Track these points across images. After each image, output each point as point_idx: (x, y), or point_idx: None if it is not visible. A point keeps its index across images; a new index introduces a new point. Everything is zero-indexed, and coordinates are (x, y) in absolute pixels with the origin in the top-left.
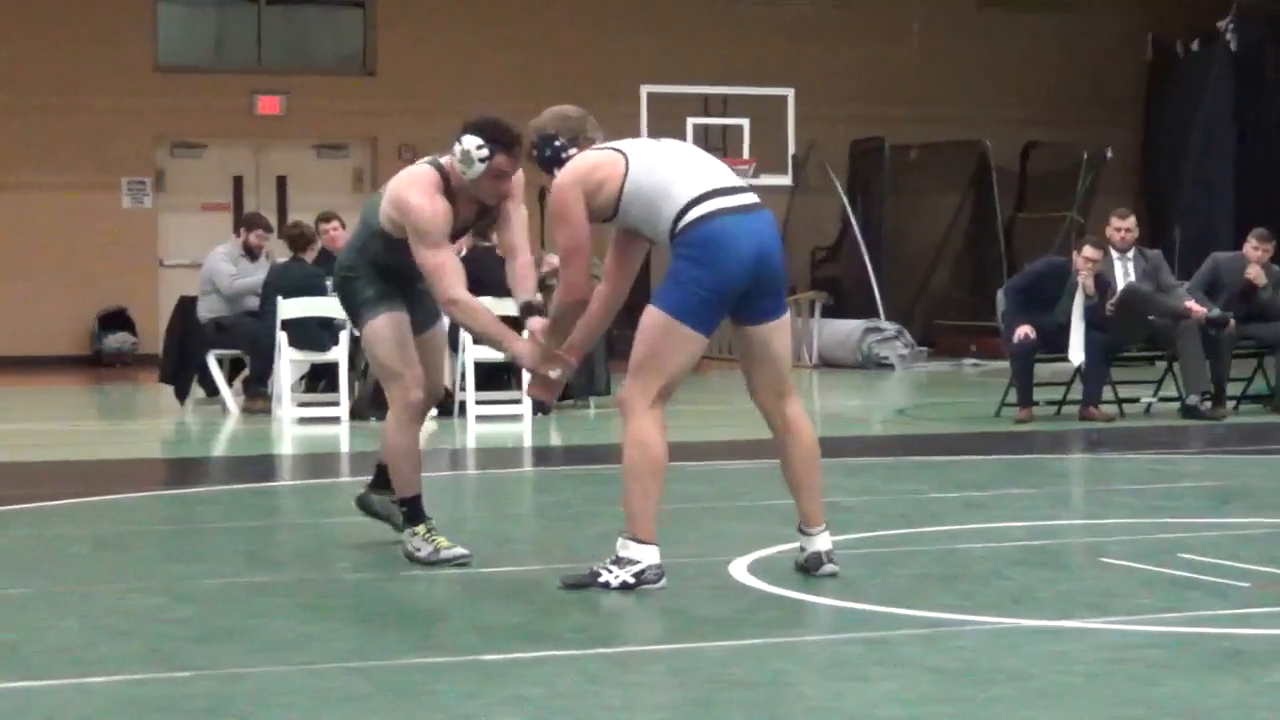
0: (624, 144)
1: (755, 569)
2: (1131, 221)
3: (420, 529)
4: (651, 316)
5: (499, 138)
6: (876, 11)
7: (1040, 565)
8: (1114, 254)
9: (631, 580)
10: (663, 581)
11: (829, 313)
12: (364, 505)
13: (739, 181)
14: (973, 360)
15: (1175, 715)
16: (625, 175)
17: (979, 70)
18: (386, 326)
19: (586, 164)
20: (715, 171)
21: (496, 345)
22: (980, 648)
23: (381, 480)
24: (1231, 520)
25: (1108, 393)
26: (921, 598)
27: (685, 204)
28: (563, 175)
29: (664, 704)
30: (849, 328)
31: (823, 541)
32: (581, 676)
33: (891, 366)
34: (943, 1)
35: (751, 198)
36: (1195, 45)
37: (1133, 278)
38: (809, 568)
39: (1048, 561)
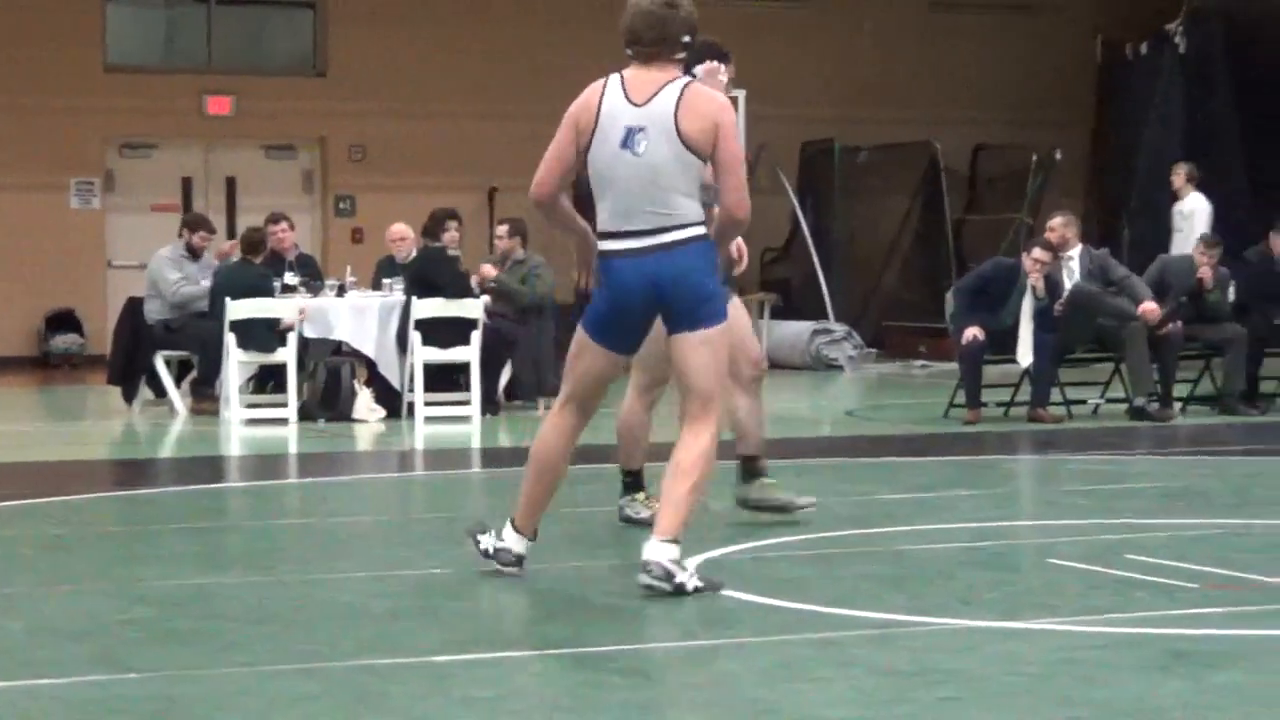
0: None
1: (704, 570)
2: (1059, 221)
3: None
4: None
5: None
6: (828, 13)
7: (989, 566)
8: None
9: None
10: (514, 571)
11: (779, 314)
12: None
13: (648, 223)
14: (922, 362)
15: (1123, 715)
16: None
17: (930, 72)
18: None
19: None
20: (638, 200)
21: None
22: (930, 649)
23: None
24: (1179, 521)
25: (1056, 394)
26: (871, 599)
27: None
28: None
29: (614, 705)
30: (798, 329)
31: (649, 549)
32: (533, 678)
33: (840, 368)
34: (894, 3)
35: (650, 241)
36: (1145, 48)
37: (1079, 278)
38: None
39: (996, 563)
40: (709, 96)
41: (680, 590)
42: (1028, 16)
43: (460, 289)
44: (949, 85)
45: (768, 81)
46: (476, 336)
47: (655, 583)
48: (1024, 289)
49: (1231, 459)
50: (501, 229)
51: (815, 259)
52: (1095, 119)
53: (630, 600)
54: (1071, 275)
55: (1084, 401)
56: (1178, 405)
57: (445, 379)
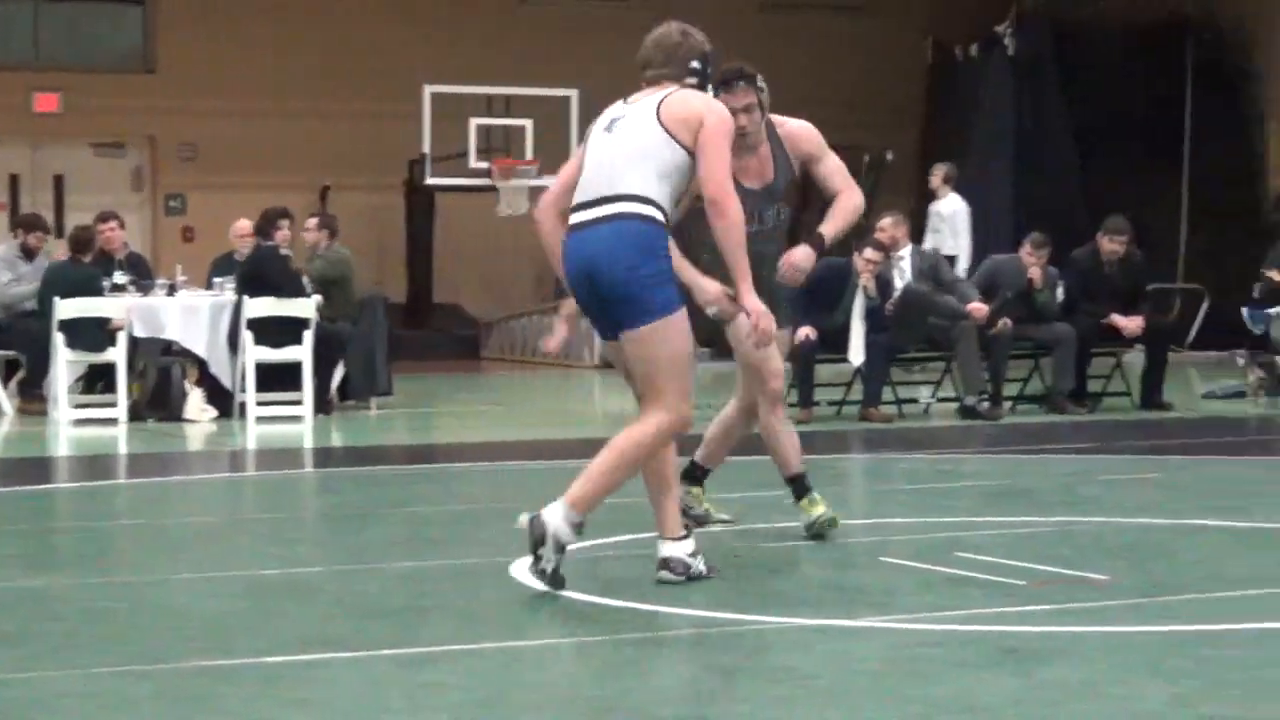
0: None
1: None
2: (889, 221)
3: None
4: None
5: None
6: (662, 13)
7: (822, 565)
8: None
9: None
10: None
11: None
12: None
13: (611, 190)
14: None
15: (955, 713)
16: None
17: (761, 72)
18: None
19: None
20: (595, 175)
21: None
22: (765, 646)
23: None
24: (1008, 519)
25: (887, 393)
26: (705, 597)
27: None
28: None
29: (448, 705)
30: None
31: (548, 511)
32: (366, 679)
33: None
34: (726, 4)
35: (594, 213)
36: (974, 50)
37: (909, 278)
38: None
39: (830, 561)
40: (700, 96)
41: (556, 549)
42: (859, 18)
43: (293, 288)
44: (781, 86)
45: (601, 82)
46: (309, 336)
47: (538, 548)
48: (855, 289)
49: (1060, 457)
50: (311, 222)
51: None
52: (926, 120)
53: (466, 599)
54: (903, 275)
55: (915, 400)
56: (1007, 404)
57: (277, 378)
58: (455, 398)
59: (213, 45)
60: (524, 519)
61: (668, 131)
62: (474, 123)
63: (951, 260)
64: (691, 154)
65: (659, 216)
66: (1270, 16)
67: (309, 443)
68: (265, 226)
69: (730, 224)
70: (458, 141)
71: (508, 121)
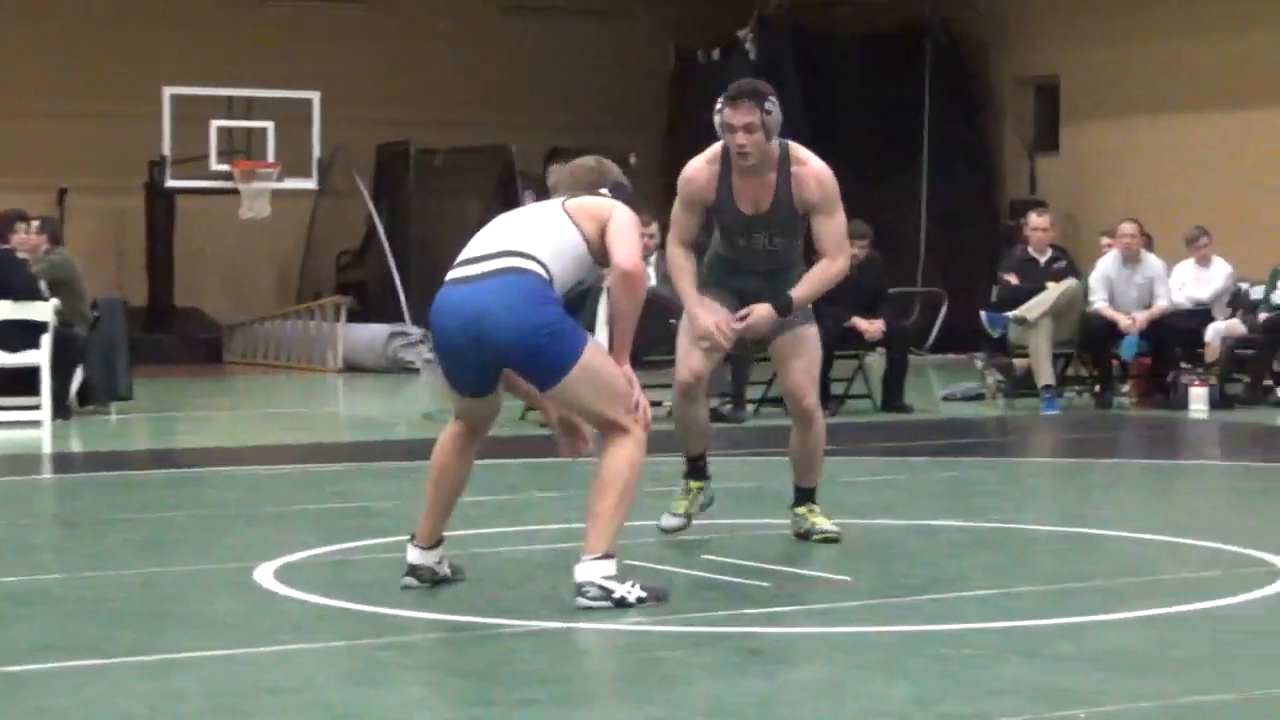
0: None
1: (282, 575)
2: (653, 227)
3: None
4: None
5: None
6: (404, 16)
7: (568, 569)
8: None
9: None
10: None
11: (355, 317)
12: None
13: (498, 248)
14: None
15: (700, 715)
16: None
17: (505, 75)
18: None
19: None
20: (481, 239)
21: None
22: (510, 650)
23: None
24: (752, 521)
25: None
26: (452, 601)
27: None
28: None
29: (191, 712)
30: (374, 332)
31: (580, 571)
32: (109, 686)
33: (417, 370)
34: (468, 7)
35: (485, 267)
36: (716, 54)
37: (654, 282)
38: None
39: (573, 565)
40: (609, 199)
41: (622, 604)
42: (601, 22)
43: (29, 292)
44: (524, 89)
45: (343, 84)
46: (46, 340)
47: (594, 603)
48: (599, 292)
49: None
50: (34, 224)
51: (391, 261)
52: (669, 123)
53: (207, 606)
54: (649, 278)
55: (660, 404)
56: (750, 407)
57: (16, 383)
58: (197, 402)
59: None
60: (411, 580)
61: (570, 218)
62: (215, 124)
63: None
64: (589, 243)
65: (544, 274)
66: (1003, 24)
67: (48, 448)
68: (1, 229)
69: (633, 298)
70: (199, 144)
71: (249, 124)
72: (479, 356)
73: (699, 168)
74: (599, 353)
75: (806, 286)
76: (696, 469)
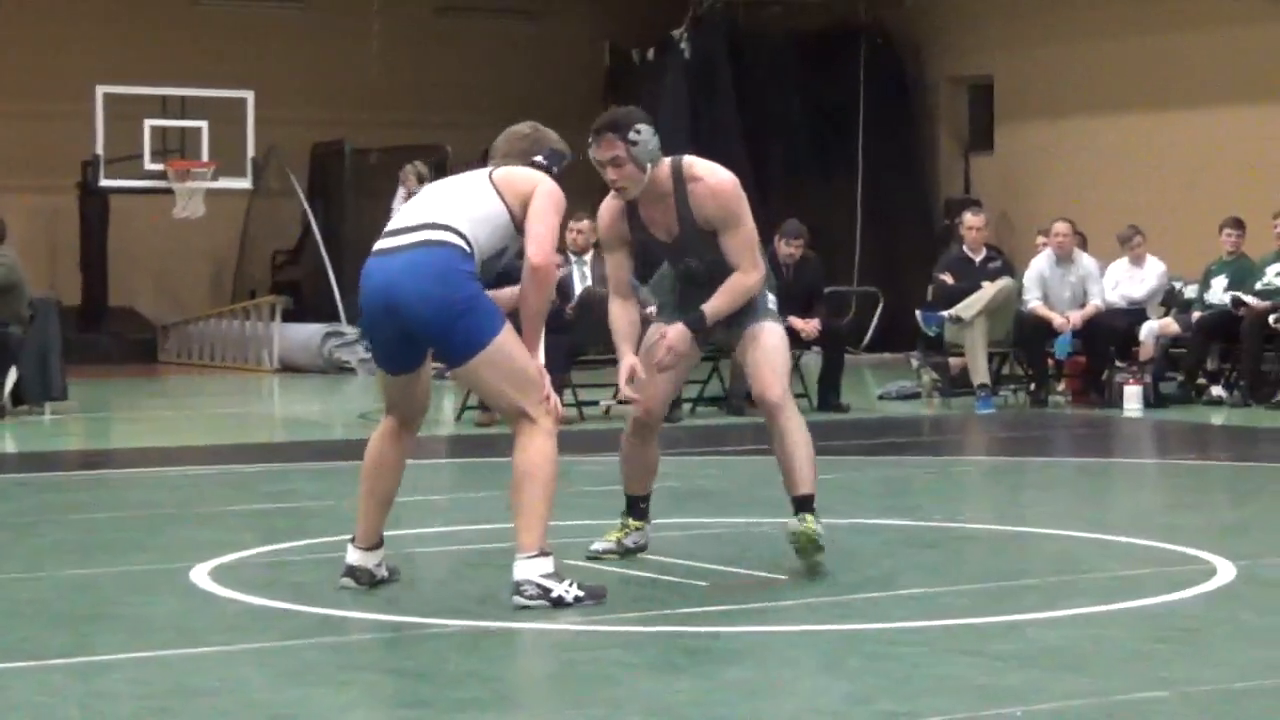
0: None
1: (217, 575)
2: (571, 224)
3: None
4: None
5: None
6: (337, 15)
7: (502, 568)
8: (571, 259)
9: None
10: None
11: (290, 317)
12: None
13: (420, 219)
14: (438, 364)
15: (637, 714)
16: None
17: (440, 75)
18: None
19: None
20: (409, 211)
21: None
22: (445, 650)
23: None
24: (689, 520)
25: (569, 395)
26: (388, 601)
27: None
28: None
29: (124, 714)
30: (310, 331)
31: (517, 569)
32: (38, 688)
33: (353, 370)
34: (401, 7)
35: (404, 239)
36: (651, 54)
37: (590, 282)
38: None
39: (507, 564)
40: (537, 172)
41: (560, 603)
42: (536, 21)
43: None
44: (459, 88)
45: (277, 83)
46: None
47: (531, 602)
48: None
49: (739, 459)
50: None
51: (326, 261)
52: None
53: (141, 607)
54: (585, 279)
55: (595, 403)
56: (687, 406)
57: None
58: (132, 402)
59: None
60: (349, 581)
61: (495, 189)
62: (148, 124)
63: None
64: (513, 215)
65: (464, 246)
66: (937, 24)
67: None
68: None
69: (540, 294)
70: (132, 143)
71: (183, 123)
72: (393, 326)
73: (606, 206)
74: (514, 339)
75: (719, 300)
76: (638, 510)
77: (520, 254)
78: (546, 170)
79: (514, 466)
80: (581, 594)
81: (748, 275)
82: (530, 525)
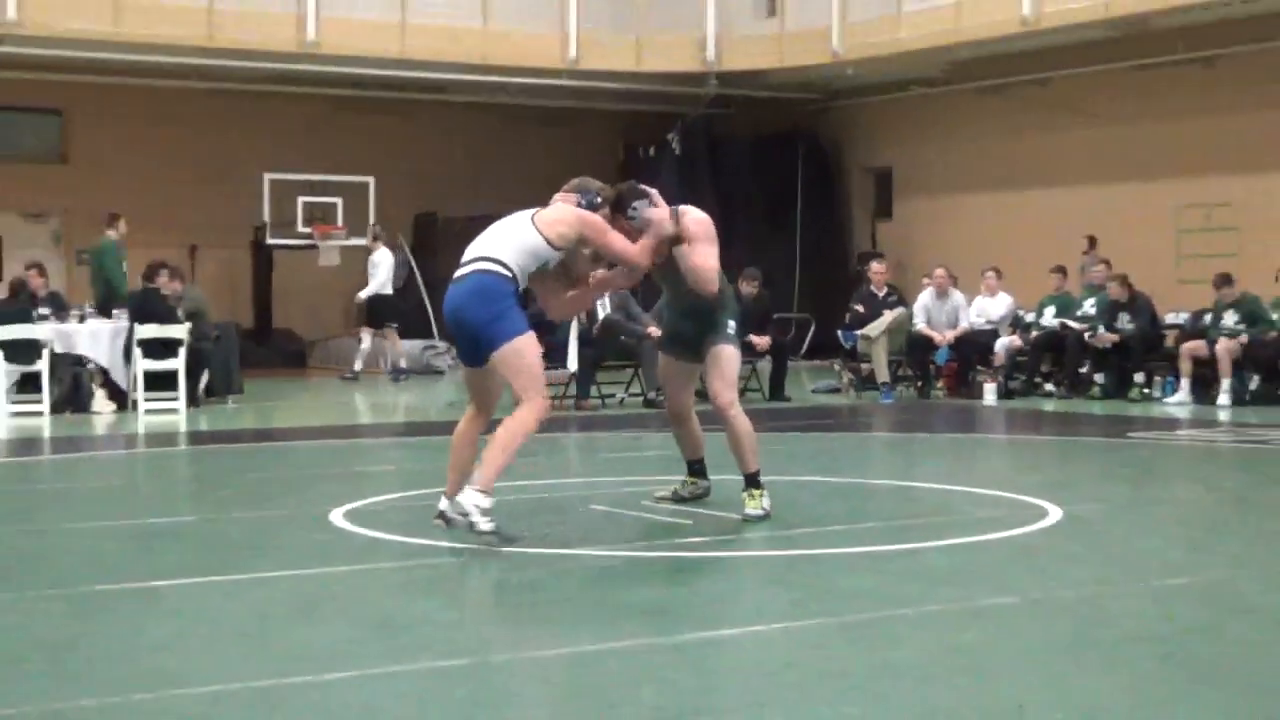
0: None
1: (349, 516)
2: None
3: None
4: None
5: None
6: (431, 123)
7: (546, 509)
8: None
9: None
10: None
11: (400, 335)
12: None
13: (477, 254)
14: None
15: (642, 613)
16: None
17: (503, 165)
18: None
19: None
20: (474, 245)
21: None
22: (509, 569)
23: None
24: (680, 478)
25: (595, 390)
26: (461, 534)
27: None
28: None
29: (278, 615)
30: (412, 344)
31: (464, 495)
32: (221, 595)
33: (443, 372)
34: (478, 118)
35: (466, 270)
36: (652, 150)
37: (609, 310)
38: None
39: (551, 506)
40: (572, 208)
41: (471, 529)
42: (570, 129)
43: (169, 317)
44: (515, 173)
45: (389, 171)
46: (183, 351)
47: (456, 516)
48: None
49: (711, 434)
50: (166, 273)
51: (425, 295)
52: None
53: (295, 538)
54: (604, 307)
55: (613, 395)
56: (618, 398)
57: (161, 381)
58: (288, 395)
59: (112, 141)
60: (439, 521)
61: (535, 227)
62: (301, 200)
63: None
64: (549, 243)
65: (505, 273)
66: (852, 130)
67: (184, 427)
68: (149, 273)
69: (634, 264)
70: (289, 213)
71: (324, 199)
72: (460, 332)
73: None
74: (531, 344)
75: (692, 259)
76: (693, 469)
77: (559, 264)
78: (588, 206)
79: (501, 424)
80: (493, 531)
81: (707, 266)
82: (487, 468)
